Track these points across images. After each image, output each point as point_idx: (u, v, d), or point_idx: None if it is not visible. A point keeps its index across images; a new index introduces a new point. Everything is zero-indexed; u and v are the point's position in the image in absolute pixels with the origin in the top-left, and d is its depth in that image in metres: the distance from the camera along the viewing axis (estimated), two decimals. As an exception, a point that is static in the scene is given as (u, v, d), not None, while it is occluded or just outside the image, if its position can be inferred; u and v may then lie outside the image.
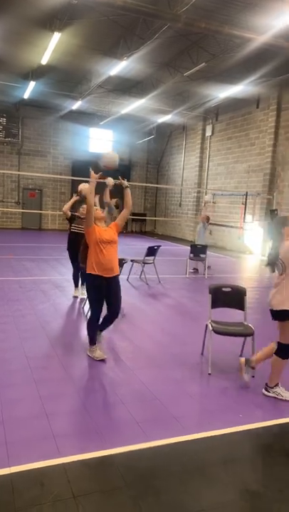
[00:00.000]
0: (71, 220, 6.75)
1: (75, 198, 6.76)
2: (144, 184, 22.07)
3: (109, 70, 12.75)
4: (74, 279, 7.00)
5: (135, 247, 14.96)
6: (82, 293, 6.73)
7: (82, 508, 2.23)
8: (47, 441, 2.83)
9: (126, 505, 2.30)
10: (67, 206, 6.73)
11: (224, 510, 2.32)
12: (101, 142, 21.71)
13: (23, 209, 20.01)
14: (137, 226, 22.98)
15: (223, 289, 4.54)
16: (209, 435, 3.06)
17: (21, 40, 11.65)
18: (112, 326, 5.66)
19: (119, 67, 12.26)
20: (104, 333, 5.39)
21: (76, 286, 7.01)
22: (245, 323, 4.45)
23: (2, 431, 2.91)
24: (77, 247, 5.22)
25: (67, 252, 6.91)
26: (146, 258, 8.57)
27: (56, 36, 10.23)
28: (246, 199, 14.58)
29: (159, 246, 8.82)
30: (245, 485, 2.54)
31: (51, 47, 10.97)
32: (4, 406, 3.27)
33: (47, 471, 2.51)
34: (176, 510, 2.30)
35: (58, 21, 9.78)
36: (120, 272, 6.69)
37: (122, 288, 6.17)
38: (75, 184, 20.42)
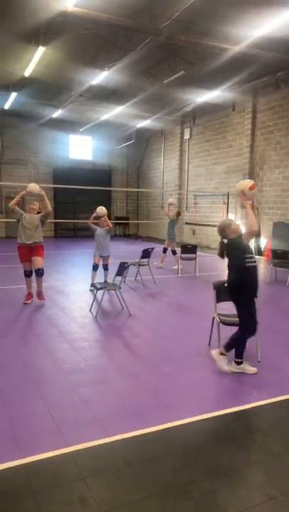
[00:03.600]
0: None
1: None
2: (125, 189, 22.51)
3: (90, 80, 13.13)
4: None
5: (122, 250, 15.35)
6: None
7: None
8: (92, 423, 3.23)
9: (165, 474, 2.73)
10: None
11: (253, 468, 2.77)
12: (81, 148, 22.02)
13: (6, 218, 20.10)
14: (121, 229, 23.37)
15: (226, 285, 5.01)
16: (230, 411, 3.52)
17: (5, 53, 11.89)
18: (121, 325, 6.09)
19: (100, 77, 12.65)
20: (116, 331, 5.80)
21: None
22: (248, 314, 4.93)
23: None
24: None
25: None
26: (142, 260, 8.99)
27: (40, 50, 10.55)
28: (228, 199, 15.21)
29: (152, 248, 9.26)
30: (267, 449, 3.00)
31: (35, 60, 11.27)
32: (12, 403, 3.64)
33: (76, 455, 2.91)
34: (214, 468, 2.73)
35: (42, 36, 10.09)
36: (125, 274, 7.12)
37: (121, 290, 6.62)
38: (57, 191, 20.70)
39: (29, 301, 7.03)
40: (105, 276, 8.17)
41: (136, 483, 2.57)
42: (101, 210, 8.16)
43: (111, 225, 8.21)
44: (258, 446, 3.03)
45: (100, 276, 8.04)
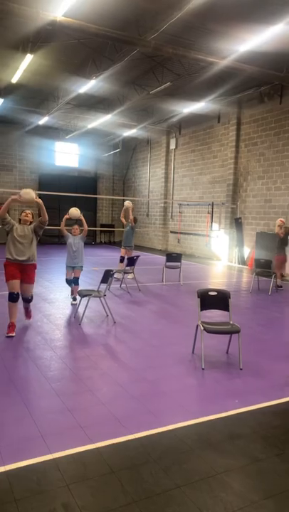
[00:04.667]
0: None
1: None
2: (111, 197, 22.57)
3: (77, 88, 13.23)
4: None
5: (107, 257, 15.37)
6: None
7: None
8: (78, 430, 3.23)
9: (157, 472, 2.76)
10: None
11: (234, 473, 2.82)
12: (67, 155, 22.04)
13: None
14: (106, 237, 23.39)
15: (210, 293, 5.10)
16: (212, 418, 3.57)
17: (-8, 60, 11.90)
18: (105, 332, 6.10)
19: (87, 86, 12.75)
20: (100, 338, 5.80)
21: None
22: (231, 322, 5.02)
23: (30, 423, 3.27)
24: None
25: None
26: (127, 268, 9.03)
27: (28, 58, 10.61)
28: (212, 209, 15.41)
29: (138, 256, 9.31)
30: (249, 454, 3.05)
31: (22, 67, 11.31)
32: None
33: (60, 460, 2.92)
34: (196, 474, 2.77)
35: (30, 44, 10.15)
36: (110, 281, 7.14)
37: (106, 297, 6.64)
38: (42, 198, 20.56)
39: (13, 334, 5.62)
40: (74, 291, 7.56)
41: (119, 490, 2.59)
42: (75, 211, 7.37)
43: (86, 227, 7.49)
44: (239, 452, 3.08)
45: (68, 289, 7.63)
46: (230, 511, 2.44)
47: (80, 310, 6.78)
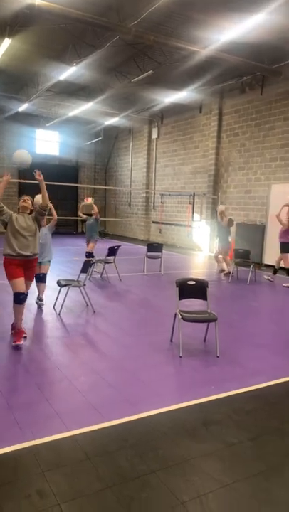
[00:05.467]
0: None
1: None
2: (93, 186, 22.39)
3: (58, 75, 12.98)
4: None
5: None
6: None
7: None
8: (54, 418, 3.25)
9: (129, 458, 2.81)
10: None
11: (208, 458, 2.90)
12: (48, 144, 21.70)
13: None
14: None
15: (189, 283, 5.15)
16: (188, 404, 3.64)
17: None
18: (85, 322, 6.11)
19: (68, 72, 12.53)
20: (80, 328, 5.81)
21: None
22: (209, 311, 5.10)
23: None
24: None
25: None
26: (108, 258, 9.02)
27: (6, 42, 10.34)
28: (194, 199, 15.47)
29: (119, 246, 9.31)
30: (222, 439, 3.14)
31: (1, 51, 11.02)
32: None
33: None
34: (171, 459, 2.83)
35: (8, 27, 9.89)
36: (90, 272, 7.12)
37: (86, 287, 6.63)
38: (22, 186, 20.28)
39: (21, 342, 4.89)
40: (40, 291, 6.69)
41: (94, 476, 2.63)
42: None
43: (55, 216, 6.67)
44: (213, 437, 3.15)
45: (33, 292, 6.50)
46: (202, 494, 2.51)
47: (60, 300, 6.75)
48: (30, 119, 20.14)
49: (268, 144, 13.25)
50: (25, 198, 5.16)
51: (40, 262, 6.31)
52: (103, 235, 21.73)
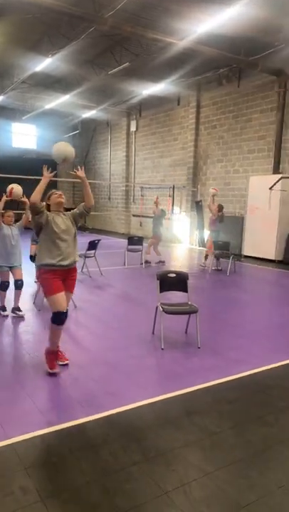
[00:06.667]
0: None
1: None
2: (72, 180, 22.12)
3: (33, 66, 12.74)
4: None
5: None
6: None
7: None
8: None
9: (118, 451, 2.82)
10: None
11: (191, 447, 2.93)
12: (25, 137, 21.33)
13: None
14: (67, 221, 23.00)
15: (169, 275, 5.17)
16: (170, 396, 3.67)
17: None
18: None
19: (44, 64, 12.31)
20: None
21: None
22: (190, 303, 5.13)
23: None
24: None
25: None
26: (88, 252, 8.97)
27: (-21, 32, 10.07)
28: (173, 192, 15.50)
29: (99, 240, 9.26)
30: (204, 428, 3.18)
31: (-27, 42, 10.74)
32: (-14, 393, 3.56)
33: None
34: (154, 450, 2.86)
35: (-20, 17, 9.63)
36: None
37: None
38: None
39: (57, 370, 4.07)
40: (17, 297, 5.90)
41: (77, 470, 2.62)
42: (17, 189, 5.65)
43: (28, 214, 5.41)
44: (195, 427, 3.19)
45: (10, 298, 6.00)
46: (186, 483, 2.54)
47: (40, 295, 6.67)
48: (6, 112, 19.75)
49: (245, 136, 13.37)
50: (59, 192, 4.16)
51: (11, 267, 5.78)
52: (83, 229, 21.59)
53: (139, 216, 18.82)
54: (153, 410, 3.42)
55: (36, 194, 3.85)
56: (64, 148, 4.11)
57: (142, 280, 9.07)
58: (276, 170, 12.15)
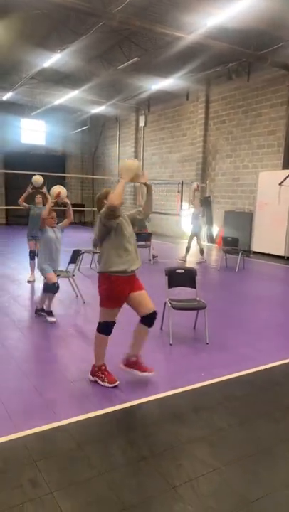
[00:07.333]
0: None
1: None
2: (80, 175, 22.20)
3: (42, 62, 12.74)
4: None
5: (77, 237, 15.20)
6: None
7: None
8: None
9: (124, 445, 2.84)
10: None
11: (198, 443, 2.94)
12: (34, 133, 21.38)
13: None
14: (76, 217, 23.03)
15: (177, 271, 5.17)
16: (178, 391, 3.68)
17: None
18: (74, 312, 6.09)
19: (52, 60, 12.30)
20: (70, 319, 5.79)
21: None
22: (198, 299, 5.12)
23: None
24: None
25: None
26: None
27: (-12, 28, 10.10)
28: (182, 187, 15.44)
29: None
30: (212, 424, 3.18)
31: (-18, 38, 10.77)
32: (-4, 387, 3.61)
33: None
34: (162, 445, 2.87)
35: (-11, 13, 9.65)
36: (80, 262, 7.11)
37: (77, 277, 6.60)
38: (8, 177, 20.00)
39: (116, 384, 3.76)
40: (49, 300, 5.71)
41: (86, 464, 2.64)
42: (64, 191, 5.85)
43: (71, 214, 6.04)
44: (203, 423, 3.19)
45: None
46: (193, 478, 2.55)
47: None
48: (15, 108, 19.80)
49: (255, 131, 13.25)
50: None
51: (55, 270, 5.70)
52: (92, 225, 21.63)
53: (147, 212, 18.76)
54: (161, 405, 3.43)
55: (118, 197, 3.46)
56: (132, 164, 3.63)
57: (149, 276, 9.04)
58: (286, 165, 12.03)
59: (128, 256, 3.69)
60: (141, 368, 3.86)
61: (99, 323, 3.82)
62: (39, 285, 7.21)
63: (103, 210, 3.59)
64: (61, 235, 5.80)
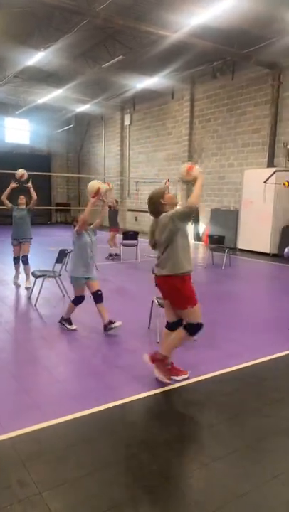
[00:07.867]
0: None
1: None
2: (66, 174, 22.05)
3: (25, 60, 12.61)
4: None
5: (62, 237, 15.12)
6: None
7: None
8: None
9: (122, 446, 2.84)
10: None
11: (185, 439, 2.95)
12: (18, 132, 21.16)
13: None
14: (62, 216, 22.92)
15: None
16: (167, 389, 3.69)
17: None
18: (61, 312, 6.05)
19: (36, 58, 12.19)
20: (56, 319, 5.76)
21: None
22: (185, 296, 5.13)
23: (-12, 408, 3.23)
24: None
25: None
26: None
27: None
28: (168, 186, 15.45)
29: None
30: (202, 420, 3.20)
31: None
32: (-17, 389, 3.56)
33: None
34: (150, 443, 2.88)
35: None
36: (66, 262, 7.07)
37: (63, 277, 6.56)
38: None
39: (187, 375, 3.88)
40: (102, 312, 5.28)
41: (75, 463, 2.64)
42: (100, 185, 5.18)
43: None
44: (193, 419, 3.21)
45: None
46: (183, 473, 2.56)
47: (35, 291, 6.67)
48: (-1, 107, 19.59)
49: (239, 129, 13.35)
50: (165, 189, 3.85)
51: (89, 278, 5.21)
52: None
53: (134, 211, 18.79)
54: (150, 403, 3.44)
55: (199, 197, 3.50)
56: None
57: (137, 274, 9.08)
58: (270, 163, 12.16)
59: (190, 256, 3.72)
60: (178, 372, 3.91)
61: (192, 324, 3.73)
62: (22, 288, 7.15)
63: (180, 210, 3.50)
64: (95, 237, 5.34)
